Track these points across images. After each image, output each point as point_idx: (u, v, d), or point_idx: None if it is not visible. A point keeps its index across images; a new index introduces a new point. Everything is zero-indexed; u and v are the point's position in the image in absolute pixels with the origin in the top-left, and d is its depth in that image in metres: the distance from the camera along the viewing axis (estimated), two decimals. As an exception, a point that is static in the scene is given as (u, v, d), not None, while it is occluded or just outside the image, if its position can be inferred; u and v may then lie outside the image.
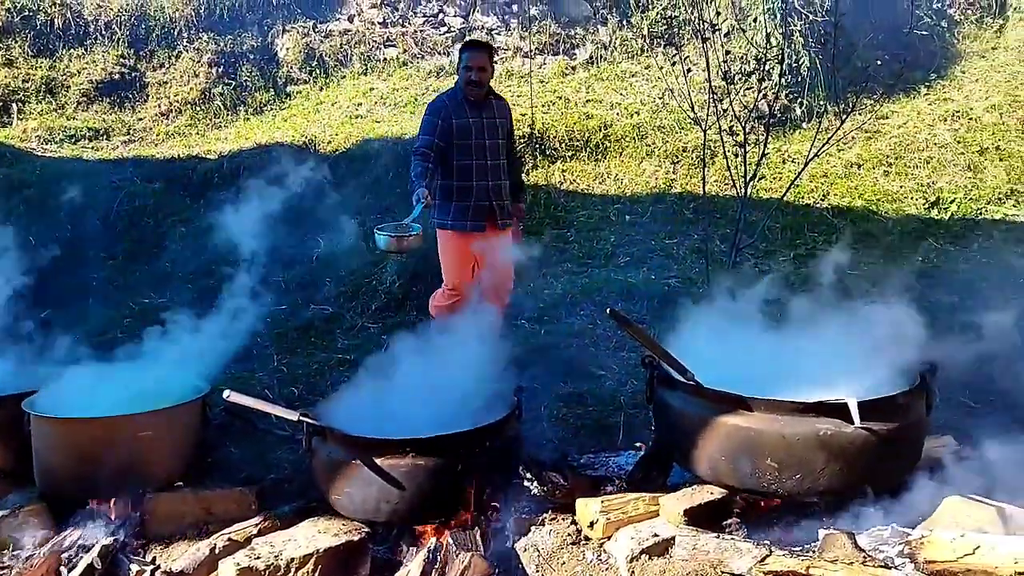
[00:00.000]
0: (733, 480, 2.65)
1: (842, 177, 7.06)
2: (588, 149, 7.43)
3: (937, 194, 6.80)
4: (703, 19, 4.97)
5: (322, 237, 6.70)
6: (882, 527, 2.47)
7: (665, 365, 2.77)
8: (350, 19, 9.12)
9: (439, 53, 8.87)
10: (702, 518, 2.60)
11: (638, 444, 3.37)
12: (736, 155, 5.17)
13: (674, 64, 5.10)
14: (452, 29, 8.91)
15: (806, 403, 2.55)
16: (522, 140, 7.45)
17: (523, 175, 4.19)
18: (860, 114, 6.88)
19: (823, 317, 3.02)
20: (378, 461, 2.66)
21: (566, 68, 8.55)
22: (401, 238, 3.76)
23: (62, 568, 2.69)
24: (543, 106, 7.80)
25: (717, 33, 4.91)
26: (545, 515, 2.79)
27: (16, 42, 8.52)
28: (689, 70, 5.11)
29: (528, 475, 2.82)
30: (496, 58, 4.33)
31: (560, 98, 7.98)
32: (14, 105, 8.10)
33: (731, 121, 5.15)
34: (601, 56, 8.65)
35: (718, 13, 5.60)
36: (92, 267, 6.18)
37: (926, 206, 6.73)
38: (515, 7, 8.79)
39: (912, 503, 2.58)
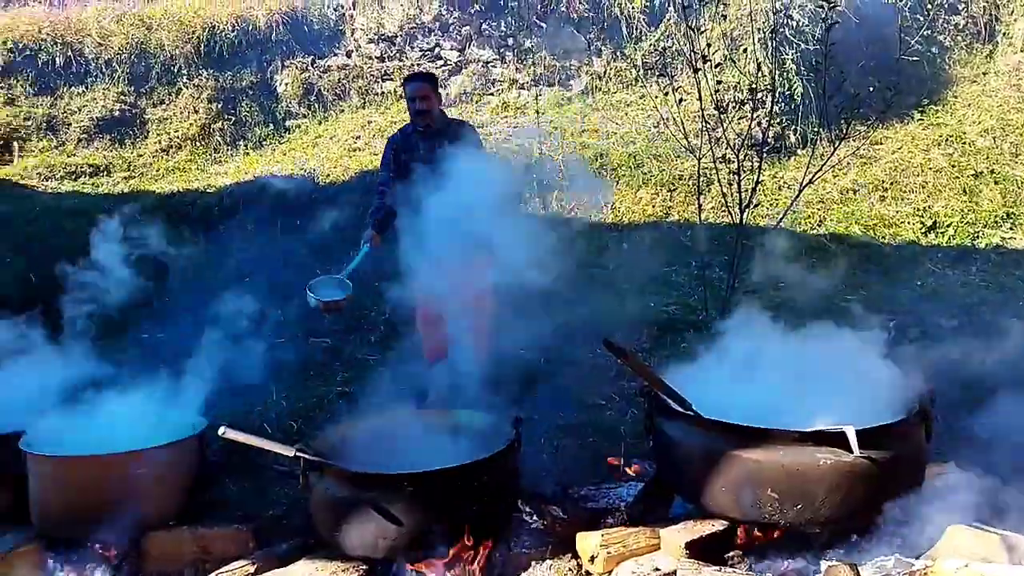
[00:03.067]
0: (735, 511, 2.62)
1: (838, 203, 7.09)
2: (585, 179, 7.47)
3: (934, 218, 6.83)
4: (695, 50, 5.04)
5: (320, 270, 6.71)
6: (885, 557, 2.45)
7: (663, 396, 2.76)
8: (348, 54, 9.24)
9: (436, 86, 8.97)
10: (704, 550, 2.57)
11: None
12: (731, 183, 5.21)
13: (667, 94, 5.17)
14: (448, 62, 9.02)
15: (805, 432, 2.54)
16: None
17: None
18: (854, 140, 6.94)
19: (823, 344, 3.02)
20: (374, 496, 2.64)
21: (561, 99, 8.64)
22: (329, 304, 3.74)
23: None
24: (539, 137, 7.87)
25: (708, 64, 4.97)
26: (545, 549, 2.76)
27: (18, 81, 8.62)
28: (682, 100, 5.17)
29: (527, 508, 2.80)
30: (440, 88, 4.29)
31: (556, 128, 8.06)
32: (15, 143, 8.18)
33: (725, 149, 5.19)
34: (596, 86, 8.76)
35: (709, 45, 5.67)
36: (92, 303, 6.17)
37: (923, 230, 6.75)
38: (511, 40, 8.91)
39: (915, 532, 2.55)
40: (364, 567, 2.67)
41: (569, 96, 8.69)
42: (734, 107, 5.95)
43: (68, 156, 8.17)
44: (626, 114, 8.32)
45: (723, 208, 6.10)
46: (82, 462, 2.95)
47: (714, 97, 4.97)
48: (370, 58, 9.15)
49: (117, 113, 8.58)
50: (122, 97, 8.72)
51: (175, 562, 2.90)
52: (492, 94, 8.79)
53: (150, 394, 3.38)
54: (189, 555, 2.91)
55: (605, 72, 8.80)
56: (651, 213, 7.12)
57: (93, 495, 2.89)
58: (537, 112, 8.19)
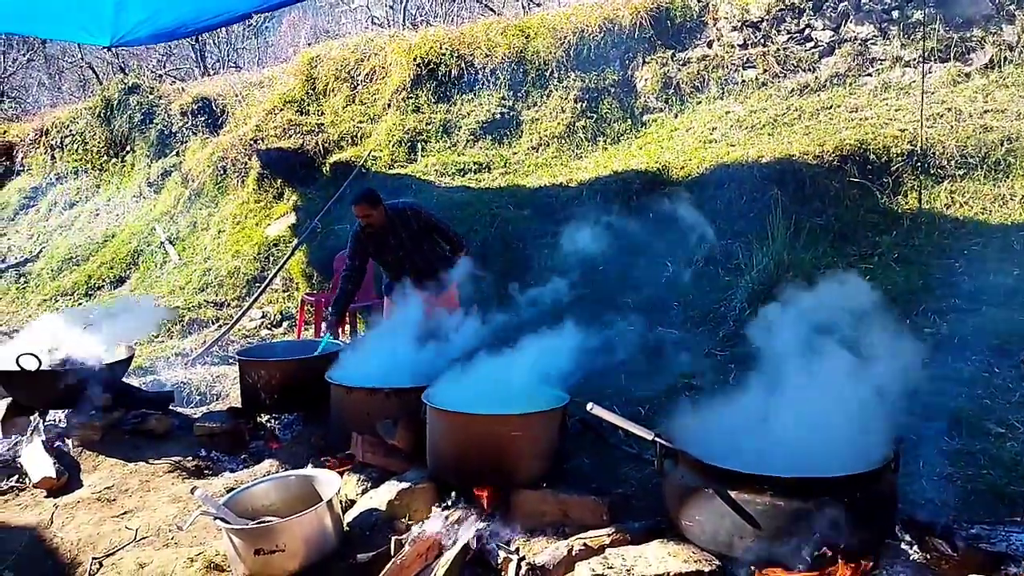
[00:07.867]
0: None
1: None
2: (985, 167, 6.37)
3: None
4: None
5: (671, 261, 6.76)
6: None
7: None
8: (709, 44, 9.11)
9: (803, 70, 8.39)
10: None
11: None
12: None
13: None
14: (819, 43, 8.37)
15: None
16: (900, 158, 6.69)
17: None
18: None
19: None
20: (732, 494, 2.57)
21: (958, 76, 7.46)
22: None
23: (444, 543, 3.08)
24: (926, 120, 6.91)
25: None
26: (927, 587, 2.43)
27: (422, 91, 10.17)
28: None
29: (907, 537, 2.48)
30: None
31: (949, 110, 6.99)
32: (419, 144, 9.67)
33: None
34: (1005, 59, 7.39)
35: None
36: (473, 283, 7.03)
37: None
38: (895, 13, 7.94)
39: None
40: (717, 563, 2.63)
41: (968, 72, 7.47)
42: None
43: (458, 155, 9.40)
44: (1046, 89, 6.90)
45: None
46: (468, 418, 3.36)
47: None
48: (732, 46, 8.90)
49: (498, 116, 9.63)
50: (502, 101, 9.75)
51: (538, 520, 3.15)
52: (870, 75, 7.94)
53: (526, 367, 3.71)
54: (551, 516, 3.14)
55: (1019, 41, 7.38)
56: (1078, 209, 5.80)
57: (475, 448, 3.28)
58: (925, 92, 7.19)
